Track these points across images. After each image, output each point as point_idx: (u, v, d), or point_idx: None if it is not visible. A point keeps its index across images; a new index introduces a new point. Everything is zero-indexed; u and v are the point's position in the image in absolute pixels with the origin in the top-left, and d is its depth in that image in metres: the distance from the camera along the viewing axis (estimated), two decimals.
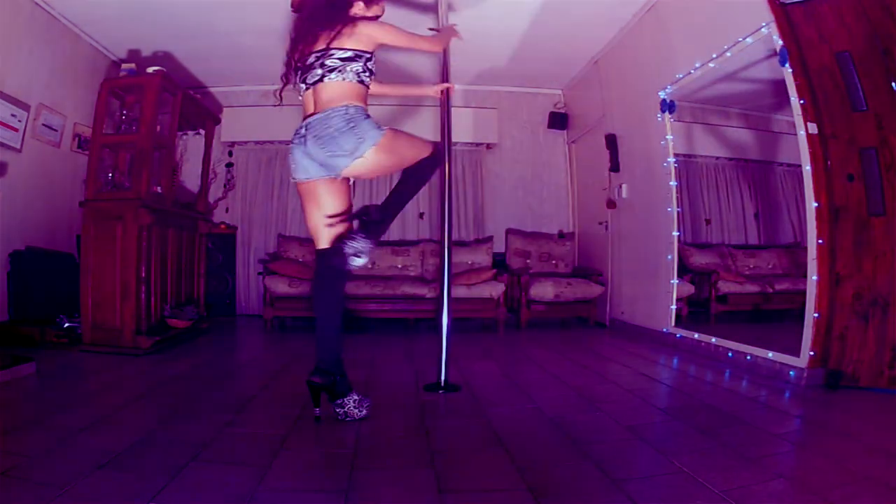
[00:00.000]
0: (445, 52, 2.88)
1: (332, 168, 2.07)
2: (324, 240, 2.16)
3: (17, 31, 3.74)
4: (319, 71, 2.09)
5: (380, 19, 2.26)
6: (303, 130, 2.10)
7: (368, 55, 2.14)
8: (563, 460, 1.70)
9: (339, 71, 2.08)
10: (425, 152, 2.20)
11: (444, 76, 2.90)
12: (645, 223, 4.30)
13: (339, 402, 2.08)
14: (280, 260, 5.01)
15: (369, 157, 2.02)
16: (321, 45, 2.10)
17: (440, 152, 2.37)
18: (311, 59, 2.12)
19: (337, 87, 2.07)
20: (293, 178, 2.19)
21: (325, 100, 2.07)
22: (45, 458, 1.62)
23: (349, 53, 2.09)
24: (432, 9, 3.83)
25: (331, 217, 2.15)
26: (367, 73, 2.14)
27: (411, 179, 2.23)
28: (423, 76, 4.88)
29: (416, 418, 2.15)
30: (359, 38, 2.10)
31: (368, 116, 2.08)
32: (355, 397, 2.10)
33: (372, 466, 1.64)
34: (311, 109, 2.12)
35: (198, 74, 5.36)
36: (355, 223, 2.16)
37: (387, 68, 2.75)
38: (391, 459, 1.72)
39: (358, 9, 2.19)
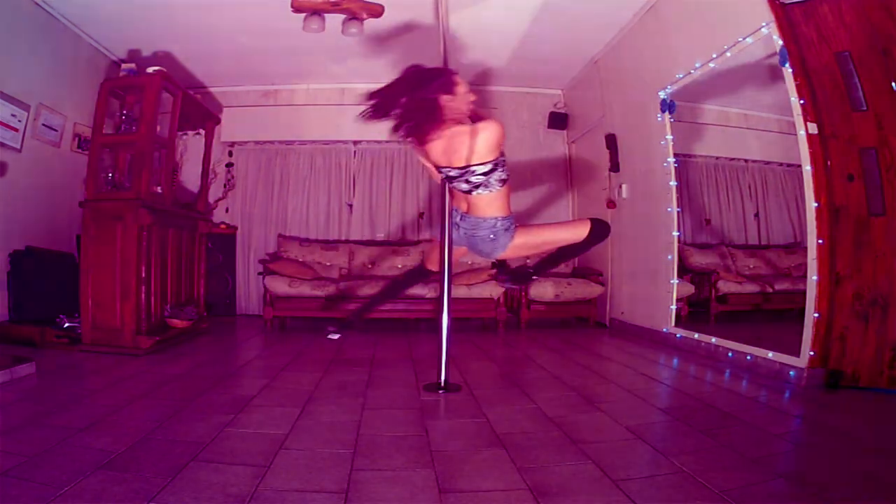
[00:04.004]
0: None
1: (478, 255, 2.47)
2: (433, 264, 2.74)
3: (17, 31, 3.74)
4: (466, 186, 2.18)
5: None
6: (457, 218, 2.37)
7: (503, 158, 2.18)
8: (563, 460, 1.70)
9: (485, 186, 2.17)
10: (574, 236, 2.42)
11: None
12: (645, 223, 4.29)
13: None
14: (280, 260, 5.01)
15: (507, 253, 2.36)
16: (456, 164, 2.13)
17: (598, 230, 2.39)
18: (452, 172, 2.17)
19: (485, 199, 2.21)
20: None
21: (477, 207, 2.24)
22: (45, 458, 1.62)
23: (489, 167, 2.12)
24: (432, 9, 3.82)
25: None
26: (505, 171, 2.20)
27: (565, 251, 2.57)
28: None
29: (416, 418, 2.15)
30: (488, 147, 2.09)
31: (510, 225, 2.29)
32: (337, 335, 2.99)
33: (372, 466, 1.65)
34: (464, 206, 2.30)
35: (198, 74, 5.36)
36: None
37: None
38: (391, 459, 1.71)
39: (460, 91, 2.13)
